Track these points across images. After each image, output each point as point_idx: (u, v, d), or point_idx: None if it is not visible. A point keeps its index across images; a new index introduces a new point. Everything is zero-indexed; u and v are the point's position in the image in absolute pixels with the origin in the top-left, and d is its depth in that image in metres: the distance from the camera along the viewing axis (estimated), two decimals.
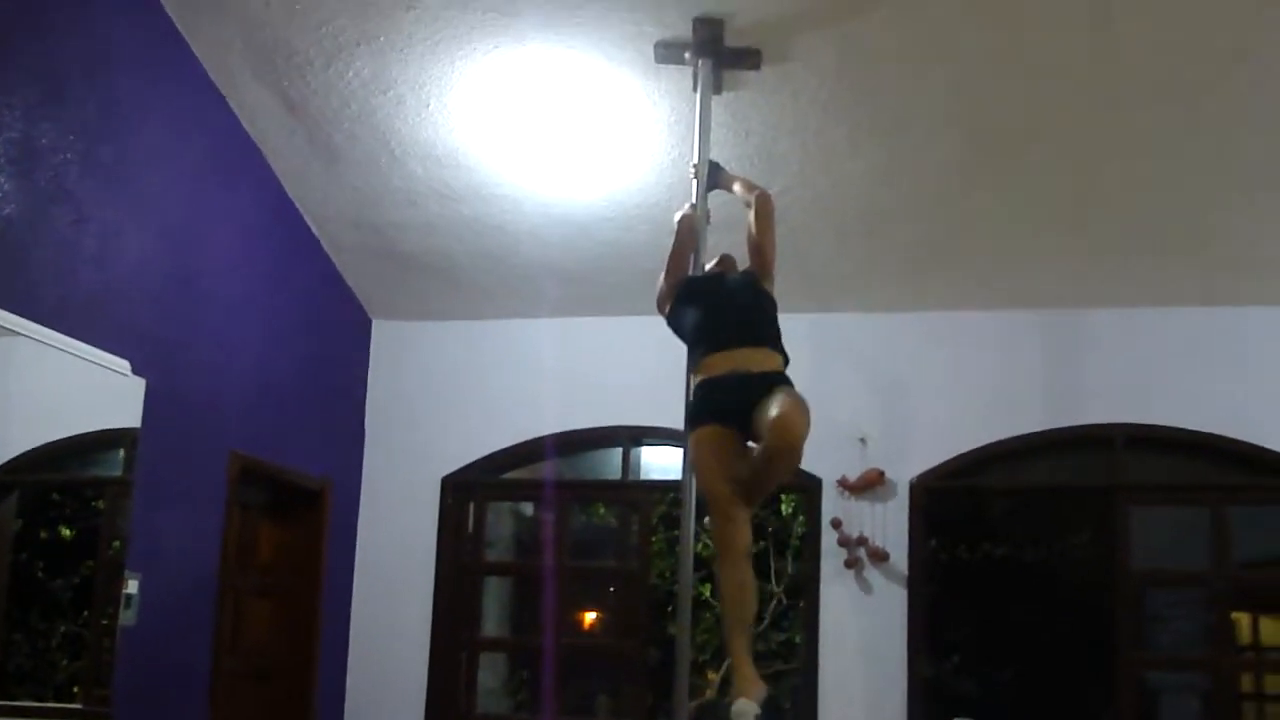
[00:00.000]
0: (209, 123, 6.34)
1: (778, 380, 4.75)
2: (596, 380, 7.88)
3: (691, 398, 4.93)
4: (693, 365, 4.98)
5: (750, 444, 4.74)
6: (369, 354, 8.29)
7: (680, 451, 5.14)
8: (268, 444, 6.94)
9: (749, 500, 4.71)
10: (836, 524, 7.40)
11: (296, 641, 7.42)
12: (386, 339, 8.30)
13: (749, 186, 5.31)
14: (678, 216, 5.36)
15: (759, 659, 9.76)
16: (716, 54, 5.62)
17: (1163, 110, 5.96)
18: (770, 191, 5.34)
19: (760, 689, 4.59)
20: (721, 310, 4.99)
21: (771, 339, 4.94)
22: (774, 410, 4.47)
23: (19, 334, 4.86)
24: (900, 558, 7.35)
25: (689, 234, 5.31)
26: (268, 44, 5.99)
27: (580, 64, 5.93)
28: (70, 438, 5.48)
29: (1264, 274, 7.05)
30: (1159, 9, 5.36)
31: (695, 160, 5.44)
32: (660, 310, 5.26)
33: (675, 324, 5.17)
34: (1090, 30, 5.51)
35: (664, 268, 5.30)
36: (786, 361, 4.93)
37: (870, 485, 7.38)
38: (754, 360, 4.81)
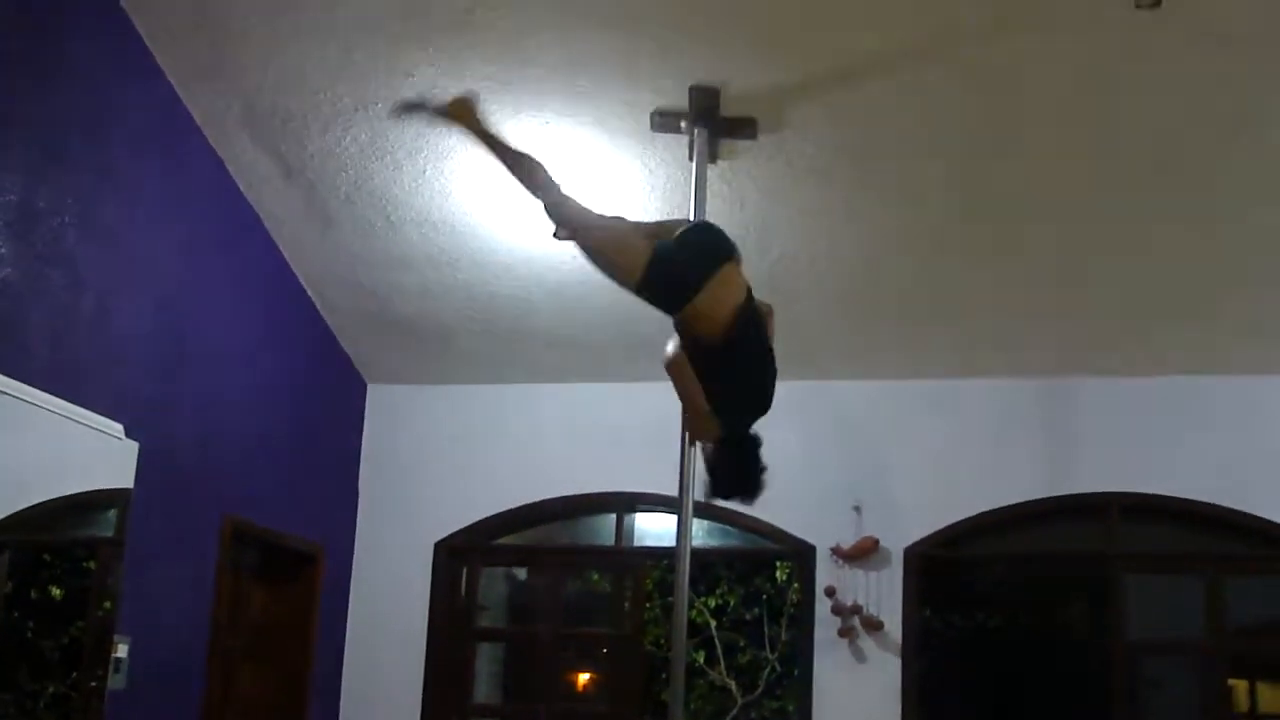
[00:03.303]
0: (206, 186, 6.36)
1: None
2: (590, 446, 7.87)
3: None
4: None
5: None
6: (363, 418, 8.29)
7: (675, 519, 5.13)
8: (261, 507, 6.93)
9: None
10: (830, 592, 7.37)
11: (287, 707, 7.37)
12: (381, 403, 8.31)
13: None
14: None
15: None
16: (712, 123, 5.64)
17: (1157, 181, 5.99)
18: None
19: None
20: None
21: None
22: None
23: (12, 396, 4.85)
24: (894, 626, 7.33)
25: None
26: (265, 109, 6.03)
27: (576, 133, 5.96)
28: (62, 498, 5.45)
29: (1258, 343, 7.07)
30: (1156, 79, 5.40)
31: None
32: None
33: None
34: (1084, 101, 5.55)
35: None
36: None
37: (864, 553, 7.36)
38: None
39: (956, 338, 7.26)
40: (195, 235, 6.29)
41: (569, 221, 4.86)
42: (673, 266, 4.65)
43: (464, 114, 5.03)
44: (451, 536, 8.02)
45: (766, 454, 4.89)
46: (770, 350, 4.89)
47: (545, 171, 4.91)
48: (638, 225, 5.00)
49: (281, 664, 7.38)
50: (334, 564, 7.81)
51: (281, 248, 7.01)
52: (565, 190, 4.87)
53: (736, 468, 4.83)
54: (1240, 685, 9.19)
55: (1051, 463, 7.44)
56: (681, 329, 4.76)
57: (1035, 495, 7.42)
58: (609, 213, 4.96)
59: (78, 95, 5.32)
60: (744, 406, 4.80)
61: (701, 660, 10.55)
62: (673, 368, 4.78)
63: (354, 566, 8.07)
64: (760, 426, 4.93)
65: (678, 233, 4.81)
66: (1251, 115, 5.56)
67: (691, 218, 5.46)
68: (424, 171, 6.32)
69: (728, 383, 4.73)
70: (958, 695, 9.77)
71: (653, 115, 5.77)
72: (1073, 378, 7.47)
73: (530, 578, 8.82)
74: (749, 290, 4.77)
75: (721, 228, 4.95)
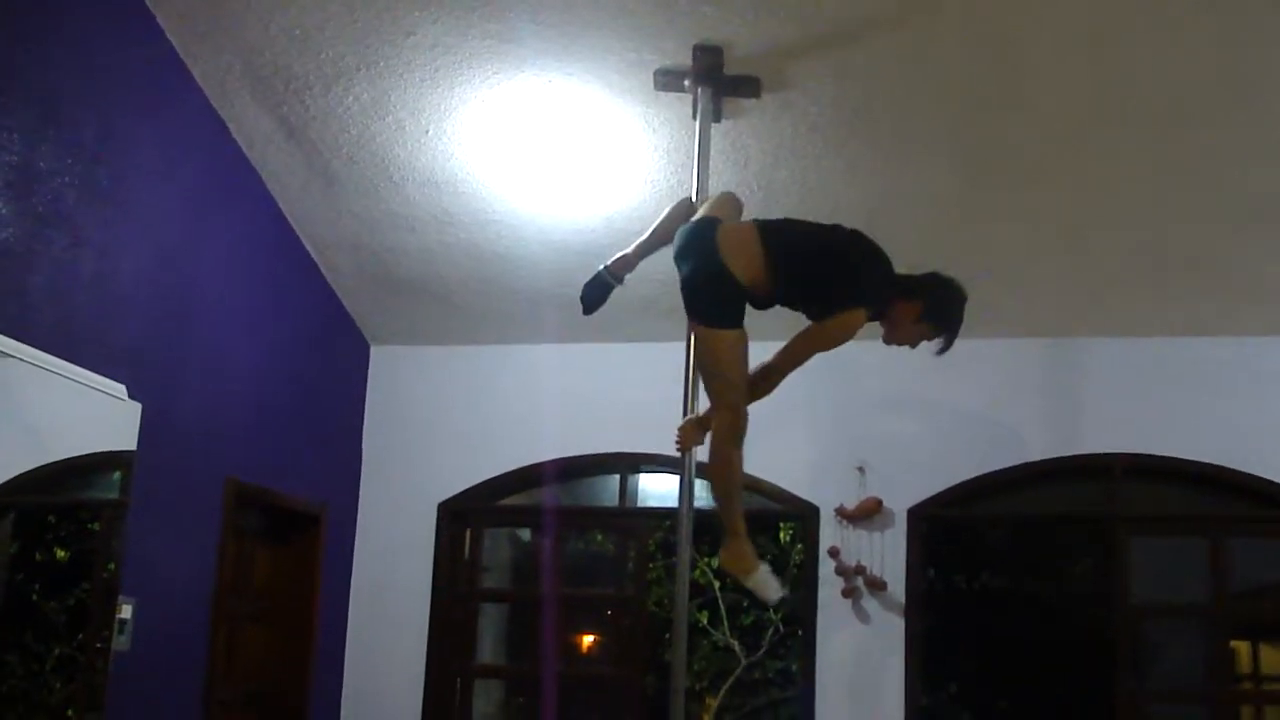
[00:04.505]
0: (207, 146, 6.34)
1: None
2: (594, 407, 7.87)
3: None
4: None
5: None
6: (367, 379, 8.29)
7: (677, 479, 5.12)
8: (264, 469, 6.93)
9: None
10: (834, 553, 7.38)
11: (291, 668, 7.40)
12: (384, 364, 8.30)
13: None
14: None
15: (756, 686, 9.73)
16: (716, 82, 5.61)
17: (1162, 140, 5.97)
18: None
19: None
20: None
21: None
22: None
23: (15, 358, 4.85)
24: (898, 587, 7.33)
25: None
26: (267, 69, 6.00)
27: (580, 91, 5.93)
28: (66, 460, 5.46)
29: (1262, 304, 7.05)
30: (1158, 39, 5.36)
31: (695, 188, 5.42)
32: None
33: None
34: (1089, 60, 5.52)
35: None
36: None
37: (868, 514, 7.37)
38: None
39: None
40: (197, 195, 6.27)
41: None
42: (700, 292, 4.73)
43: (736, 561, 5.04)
44: (455, 497, 8.03)
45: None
46: (809, 225, 4.92)
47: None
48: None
49: (285, 625, 7.41)
50: (337, 525, 7.82)
51: (284, 208, 6.98)
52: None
53: (950, 307, 4.87)
54: (1242, 647, 9.23)
55: (1055, 423, 7.43)
56: (757, 302, 4.81)
57: (1039, 456, 7.42)
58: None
59: (77, 55, 5.29)
60: (870, 275, 4.80)
61: (705, 621, 10.56)
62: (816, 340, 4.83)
63: (358, 527, 8.08)
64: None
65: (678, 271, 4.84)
66: (1257, 75, 5.52)
67: (695, 178, 5.44)
68: (427, 131, 6.29)
69: (838, 275, 4.76)
70: (961, 656, 9.80)
71: (656, 74, 5.74)
72: (1077, 338, 7.47)
73: (533, 539, 8.82)
74: (753, 220, 4.90)
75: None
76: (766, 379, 4.84)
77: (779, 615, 10.20)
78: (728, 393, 4.74)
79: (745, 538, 4.91)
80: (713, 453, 4.83)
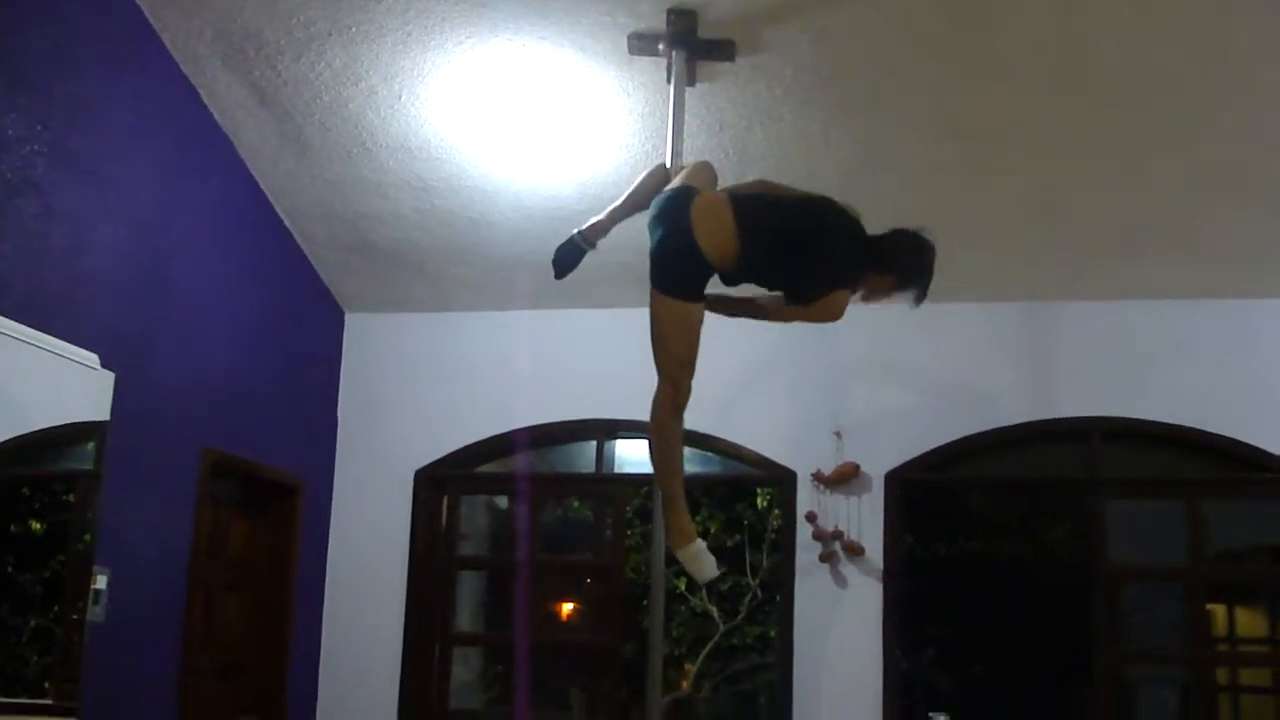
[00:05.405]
0: (179, 113, 6.28)
1: None
2: (570, 373, 7.85)
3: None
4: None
5: None
6: (341, 346, 8.25)
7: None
8: (239, 438, 6.90)
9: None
10: (811, 518, 7.38)
11: (268, 637, 7.39)
12: (359, 331, 8.27)
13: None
14: None
15: (734, 651, 9.74)
16: (690, 45, 5.59)
17: (1138, 104, 5.96)
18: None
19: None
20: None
21: None
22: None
23: None
24: (875, 551, 7.34)
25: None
26: (238, 34, 5.95)
27: (553, 55, 5.90)
28: (39, 431, 5.42)
29: (1238, 267, 7.06)
30: (1133, 10, 5.36)
31: (669, 153, 5.39)
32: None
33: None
34: (1065, 22, 5.50)
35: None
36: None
37: (845, 479, 7.37)
38: None
39: (938, 261, 7.21)
40: (168, 163, 6.22)
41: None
42: (666, 260, 4.64)
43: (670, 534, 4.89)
44: (431, 465, 8.01)
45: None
46: (782, 200, 4.82)
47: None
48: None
49: (262, 595, 7.39)
50: (314, 493, 7.80)
51: (256, 175, 6.93)
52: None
53: (922, 269, 4.84)
54: (1219, 609, 9.27)
55: (1032, 388, 7.43)
56: (726, 278, 4.75)
57: (1016, 420, 7.42)
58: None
59: (45, 21, 5.24)
60: (842, 256, 4.72)
61: (683, 587, 10.57)
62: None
63: (334, 495, 8.06)
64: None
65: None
66: (1231, 39, 5.52)
67: (669, 142, 5.41)
68: (400, 97, 6.25)
69: (810, 260, 4.65)
70: (939, 619, 9.83)
71: (630, 38, 5.71)
72: (1054, 302, 7.46)
73: (511, 506, 8.81)
74: (727, 194, 4.78)
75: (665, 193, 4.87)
76: (744, 305, 4.86)
77: (756, 581, 10.21)
78: (672, 364, 4.69)
79: (683, 510, 4.81)
80: (651, 422, 4.78)
